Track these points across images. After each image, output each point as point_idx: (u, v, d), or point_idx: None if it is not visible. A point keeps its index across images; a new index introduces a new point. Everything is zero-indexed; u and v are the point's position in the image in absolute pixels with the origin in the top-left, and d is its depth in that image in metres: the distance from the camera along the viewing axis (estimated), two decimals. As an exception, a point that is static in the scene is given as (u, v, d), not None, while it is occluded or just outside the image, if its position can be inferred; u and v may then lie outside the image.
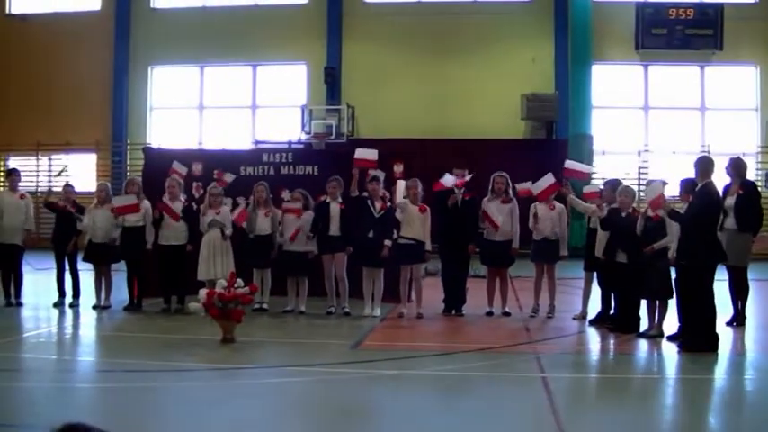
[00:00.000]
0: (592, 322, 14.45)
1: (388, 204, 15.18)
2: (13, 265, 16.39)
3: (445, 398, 9.64)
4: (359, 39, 32.78)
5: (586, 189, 15.50)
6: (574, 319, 14.92)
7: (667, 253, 12.68)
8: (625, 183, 15.53)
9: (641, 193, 13.79)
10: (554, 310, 15.17)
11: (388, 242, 14.90)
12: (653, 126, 31.68)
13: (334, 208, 15.39)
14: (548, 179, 15.17)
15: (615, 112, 31.99)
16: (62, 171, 17.63)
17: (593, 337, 13.71)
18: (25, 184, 19.32)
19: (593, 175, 26.01)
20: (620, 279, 13.46)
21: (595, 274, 14.67)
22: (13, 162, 32.96)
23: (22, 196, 16.62)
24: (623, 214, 13.48)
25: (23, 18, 35.49)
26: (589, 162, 27.82)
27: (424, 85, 31.86)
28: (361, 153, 15.45)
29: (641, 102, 31.89)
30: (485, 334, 13.74)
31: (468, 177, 15.39)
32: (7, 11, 35.99)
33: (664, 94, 31.76)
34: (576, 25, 30.82)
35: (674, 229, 12.53)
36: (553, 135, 30.48)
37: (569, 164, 15.99)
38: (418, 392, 9.75)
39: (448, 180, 15.16)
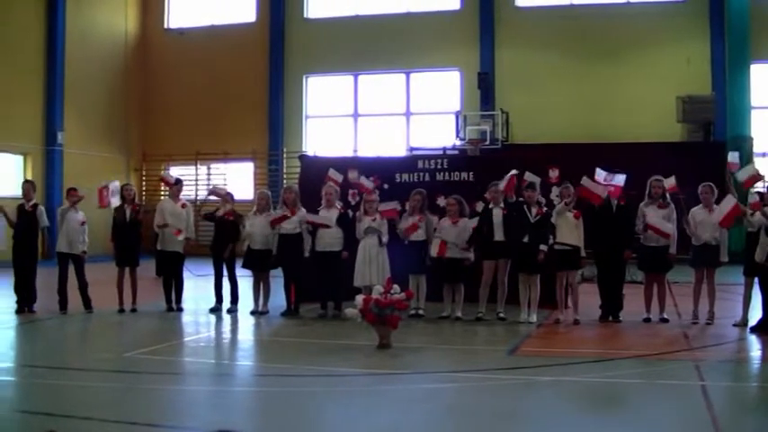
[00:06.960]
0: (753, 329, 14.07)
1: (545, 209, 15.10)
2: (174, 271, 16.93)
3: (602, 405, 9.56)
4: (511, 43, 32.77)
5: (753, 200, 14.92)
6: (734, 325, 14.54)
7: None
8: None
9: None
10: (713, 317, 14.86)
11: (543, 247, 14.82)
12: (816, 126, 30.77)
13: (497, 213, 15.35)
14: (729, 201, 14.79)
15: (776, 113, 31.16)
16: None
17: (755, 345, 13.37)
18: (185, 193, 19.86)
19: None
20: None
21: (756, 279, 14.32)
22: (174, 171, 33.99)
23: (183, 205, 17.11)
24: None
25: (181, 32, 36.69)
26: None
27: (578, 89, 31.68)
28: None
29: (803, 101, 31.01)
30: (642, 341, 13.52)
31: (616, 182, 15.12)
32: (166, 25, 37.21)
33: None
34: (732, 24, 30.16)
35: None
36: (711, 137, 29.80)
37: (731, 156, 15.65)
38: (575, 399, 9.68)
39: (597, 187, 14.95)
